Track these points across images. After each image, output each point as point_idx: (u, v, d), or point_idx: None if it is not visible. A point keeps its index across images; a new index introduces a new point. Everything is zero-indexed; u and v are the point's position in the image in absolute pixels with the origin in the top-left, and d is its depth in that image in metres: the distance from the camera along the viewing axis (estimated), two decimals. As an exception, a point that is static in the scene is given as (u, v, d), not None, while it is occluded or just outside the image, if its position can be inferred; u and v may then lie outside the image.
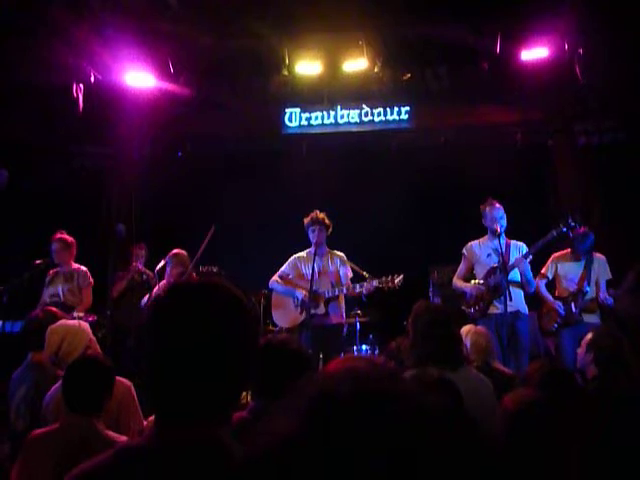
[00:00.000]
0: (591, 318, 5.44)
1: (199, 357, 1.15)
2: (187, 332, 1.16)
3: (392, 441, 0.79)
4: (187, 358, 1.15)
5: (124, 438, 2.39)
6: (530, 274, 5.30)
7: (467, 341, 3.63)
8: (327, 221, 5.52)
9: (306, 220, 5.54)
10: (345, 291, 5.40)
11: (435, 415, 0.86)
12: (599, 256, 5.64)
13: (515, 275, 5.31)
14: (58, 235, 5.84)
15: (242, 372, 1.21)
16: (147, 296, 5.64)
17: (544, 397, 1.70)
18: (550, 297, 5.60)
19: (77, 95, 7.09)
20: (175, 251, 5.65)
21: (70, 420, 2.43)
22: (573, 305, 5.46)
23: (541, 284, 5.61)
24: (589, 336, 3.34)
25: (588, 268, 5.55)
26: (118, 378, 2.97)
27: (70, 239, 5.90)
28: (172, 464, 1.11)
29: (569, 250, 5.63)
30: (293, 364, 2.25)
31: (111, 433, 2.41)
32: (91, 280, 5.91)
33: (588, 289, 5.48)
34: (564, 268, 5.59)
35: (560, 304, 5.50)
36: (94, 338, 3.16)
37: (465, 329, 3.72)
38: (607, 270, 5.59)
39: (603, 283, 5.55)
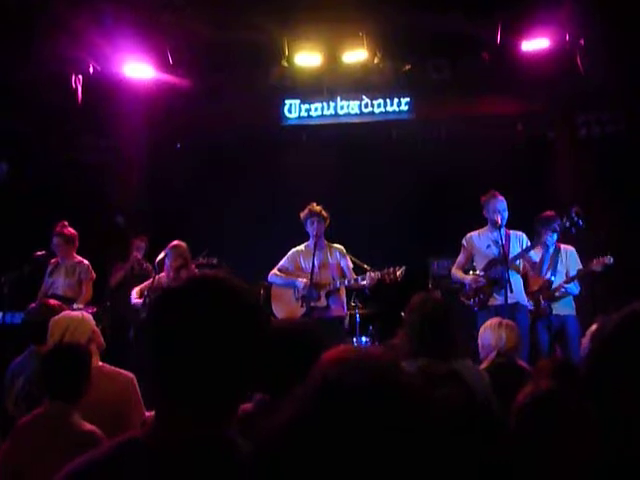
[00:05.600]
0: (564, 310, 5.38)
1: (202, 353, 1.14)
2: (189, 327, 1.14)
3: (399, 431, 0.80)
4: (189, 353, 1.13)
5: (97, 430, 2.36)
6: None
7: (493, 334, 3.53)
8: (324, 213, 5.47)
9: (303, 213, 5.49)
10: (347, 283, 5.38)
11: (432, 402, 0.87)
12: (568, 247, 5.56)
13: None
14: (59, 229, 5.77)
15: (247, 367, 1.19)
16: (137, 288, 5.64)
17: (553, 390, 1.70)
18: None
19: (76, 86, 7.06)
20: (175, 243, 5.59)
21: (49, 408, 2.44)
22: (541, 298, 5.39)
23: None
24: (594, 326, 3.31)
25: (554, 259, 5.45)
26: (120, 370, 2.96)
27: (71, 233, 5.82)
28: (175, 462, 1.10)
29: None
30: (297, 349, 2.01)
31: (86, 425, 2.38)
32: (93, 275, 5.88)
33: (553, 278, 5.39)
34: (530, 259, 5.42)
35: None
36: (97, 329, 3.15)
37: (493, 321, 3.63)
38: (577, 261, 5.51)
39: (573, 273, 5.44)
